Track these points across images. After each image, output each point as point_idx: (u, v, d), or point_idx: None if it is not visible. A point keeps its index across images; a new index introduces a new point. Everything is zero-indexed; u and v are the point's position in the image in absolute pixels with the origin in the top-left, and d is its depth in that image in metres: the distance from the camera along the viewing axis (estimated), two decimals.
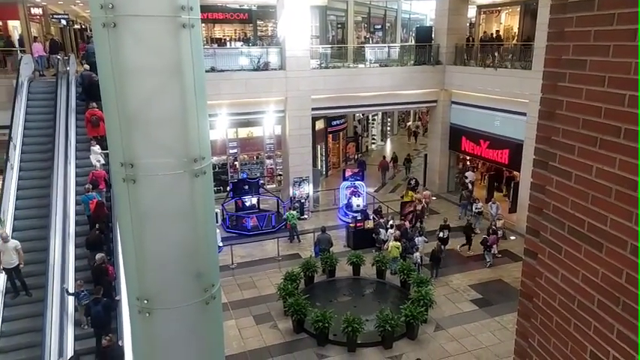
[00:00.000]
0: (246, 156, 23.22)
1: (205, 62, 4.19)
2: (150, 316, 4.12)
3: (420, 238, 15.56)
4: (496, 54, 20.38)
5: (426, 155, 24.93)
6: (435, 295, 12.93)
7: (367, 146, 32.11)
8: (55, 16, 28.50)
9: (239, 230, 18.54)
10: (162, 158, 3.87)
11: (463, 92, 21.16)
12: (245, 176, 20.77)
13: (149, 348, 4.35)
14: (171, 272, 4.14)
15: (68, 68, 16.69)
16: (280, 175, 22.87)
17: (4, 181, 12.14)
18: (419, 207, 17.95)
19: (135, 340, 4.67)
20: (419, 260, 14.95)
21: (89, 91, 14.73)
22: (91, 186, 12.18)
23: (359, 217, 17.80)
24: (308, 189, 20.16)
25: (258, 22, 28.48)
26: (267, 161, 23.48)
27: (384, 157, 27.17)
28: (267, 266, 16.00)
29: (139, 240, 3.99)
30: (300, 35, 18.94)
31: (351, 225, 17.60)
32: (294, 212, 18.07)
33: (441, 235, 16.44)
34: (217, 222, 16.78)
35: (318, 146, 24.31)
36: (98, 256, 10.44)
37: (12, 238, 10.19)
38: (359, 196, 20.09)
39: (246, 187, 19.60)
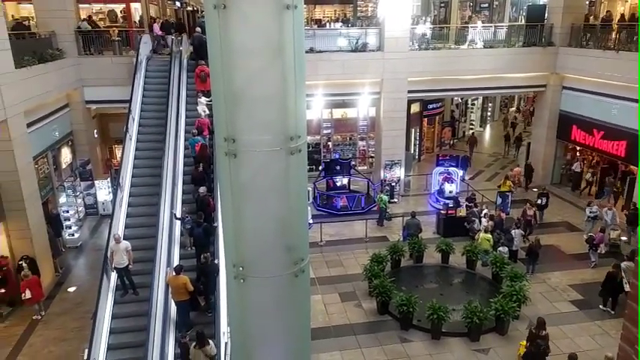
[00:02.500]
0: (339, 136, 23.42)
1: (305, 43, 4.27)
2: (244, 282, 4.38)
3: (517, 231, 14.73)
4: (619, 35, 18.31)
5: (529, 144, 23.39)
6: (529, 291, 12.25)
7: (464, 132, 30.77)
8: None
9: (328, 209, 18.90)
10: (261, 135, 4.04)
11: (577, 77, 19.39)
12: (337, 156, 21.02)
13: (242, 312, 4.63)
14: (265, 243, 4.35)
15: (181, 48, 17.91)
16: (372, 157, 22.80)
17: (123, 150, 13.45)
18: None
19: (230, 303, 5.01)
20: (505, 255, 14.23)
21: (199, 50, 16.23)
22: (196, 131, 13.71)
23: (451, 205, 17.26)
24: (399, 172, 19.91)
25: (359, 3, 28.24)
26: (360, 143, 23.52)
27: (473, 134, 27.27)
28: (355, 246, 16.19)
29: (237, 211, 4.23)
30: (400, 15, 18.51)
31: (442, 212, 17.14)
32: (385, 197, 17.97)
33: (539, 202, 15.39)
34: (309, 200, 17.27)
35: (413, 130, 23.80)
36: (202, 189, 11.97)
37: (124, 238, 11.01)
38: (452, 182, 19.45)
39: (338, 167, 19.89)
